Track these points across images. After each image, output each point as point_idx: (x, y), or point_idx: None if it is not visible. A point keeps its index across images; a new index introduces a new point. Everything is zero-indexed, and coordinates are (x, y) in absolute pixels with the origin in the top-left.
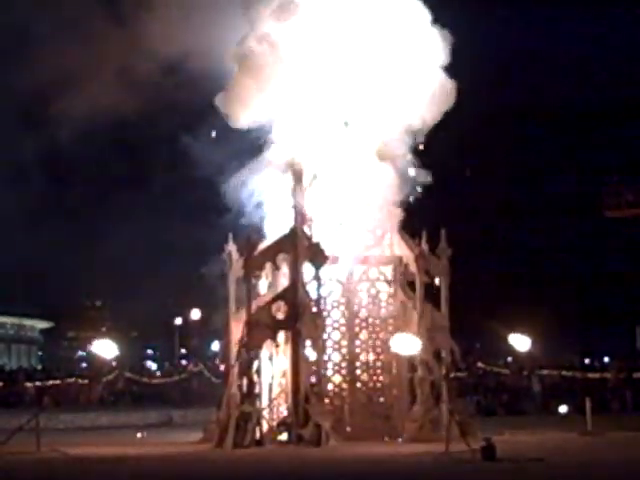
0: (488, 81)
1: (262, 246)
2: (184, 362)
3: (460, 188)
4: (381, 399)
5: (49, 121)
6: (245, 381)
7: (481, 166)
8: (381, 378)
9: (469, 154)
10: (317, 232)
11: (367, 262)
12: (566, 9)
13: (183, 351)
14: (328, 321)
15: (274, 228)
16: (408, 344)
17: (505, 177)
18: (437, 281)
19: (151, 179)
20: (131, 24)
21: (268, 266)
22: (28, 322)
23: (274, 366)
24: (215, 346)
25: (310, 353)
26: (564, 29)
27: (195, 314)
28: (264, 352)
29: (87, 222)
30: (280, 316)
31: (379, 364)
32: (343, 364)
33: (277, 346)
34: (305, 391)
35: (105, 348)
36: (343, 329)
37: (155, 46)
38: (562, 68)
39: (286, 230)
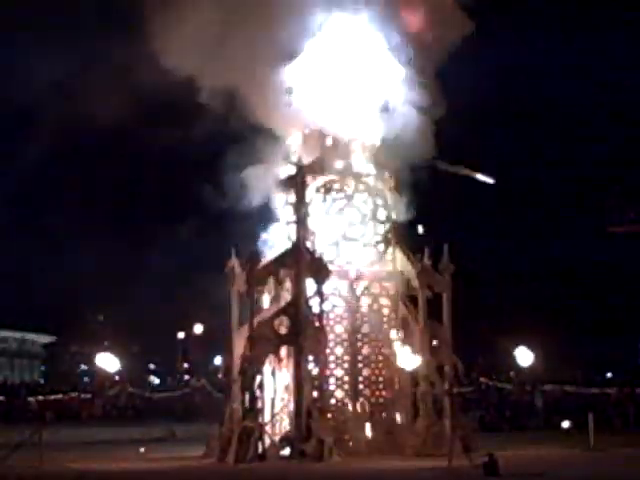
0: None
1: (265, 261)
2: (187, 377)
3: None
4: (384, 414)
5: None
6: (248, 396)
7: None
8: (384, 393)
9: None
10: (320, 247)
11: (369, 277)
12: None
13: (186, 366)
14: (331, 336)
15: (277, 243)
16: (410, 360)
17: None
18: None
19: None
20: None
21: (271, 281)
22: (31, 336)
23: (276, 381)
24: (218, 360)
25: (312, 368)
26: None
27: (198, 329)
28: (266, 367)
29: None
30: (283, 331)
31: (381, 379)
32: (345, 379)
33: (280, 361)
34: (308, 406)
35: (107, 362)
36: (345, 344)
37: None
38: (564, 75)
39: (289, 245)
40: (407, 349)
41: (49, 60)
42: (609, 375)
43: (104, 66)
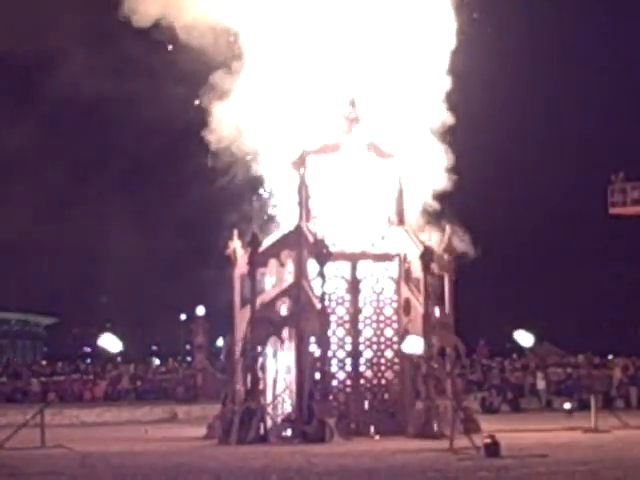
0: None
1: (266, 242)
2: (189, 358)
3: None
4: (385, 395)
5: None
6: (249, 377)
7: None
8: (386, 374)
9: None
10: (322, 228)
11: (372, 258)
12: None
13: (187, 347)
14: (332, 318)
15: (279, 224)
16: (413, 343)
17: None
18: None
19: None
20: None
21: (272, 262)
22: (33, 318)
23: (278, 362)
24: (220, 342)
25: (314, 349)
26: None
27: (200, 310)
28: (268, 348)
29: (89, 219)
30: (284, 312)
31: (383, 361)
32: (347, 361)
33: (282, 342)
34: (309, 388)
35: (110, 342)
36: (347, 326)
37: None
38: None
39: (291, 226)
40: (410, 335)
41: None
42: (610, 357)
43: None
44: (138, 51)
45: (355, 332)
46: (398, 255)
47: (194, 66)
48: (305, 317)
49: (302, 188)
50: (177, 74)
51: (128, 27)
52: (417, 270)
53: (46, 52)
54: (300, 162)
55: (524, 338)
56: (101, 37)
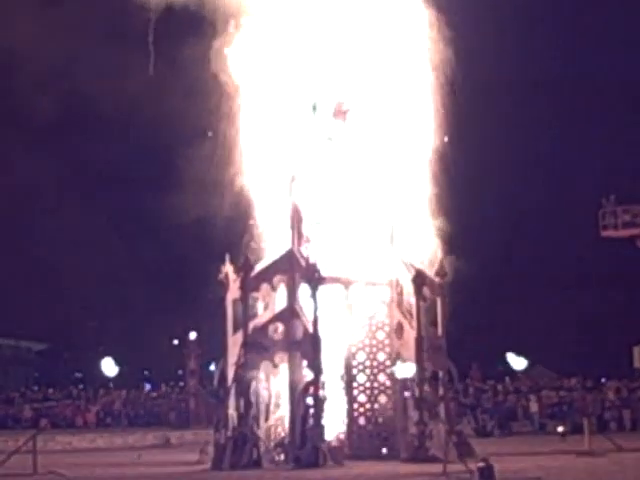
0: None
1: (259, 267)
2: (181, 383)
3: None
4: (379, 420)
5: None
6: (242, 402)
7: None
8: (379, 399)
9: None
10: (314, 253)
11: (364, 282)
12: None
13: (180, 372)
14: (325, 342)
15: (271, 249)
16: (405, 368)
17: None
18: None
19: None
20: None
21: (265, 287)
22: (25, 344)
23: (271, 387)
24: (212, 367)
25: (307, 374)
26: None
27: (192, 335)
28: (261, 373)
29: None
30: (277, 337)
31: (376, 385)
32: (341, 385)
33: (274, 367)
34: (302, 412)
35: (107, 366)
36: (341, 350)
37: None
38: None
39: (283, 251)
40: (402, 361)
41: None
42: (604, 380)
43: None
44: None
45: (348, 356)
46: (390, 279)
47: None
48: (298, 342)
49: (294, 212)
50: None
51: None
52: (409, 294)
53: None
54: (292, 183)
55: (516, 361)
56: None
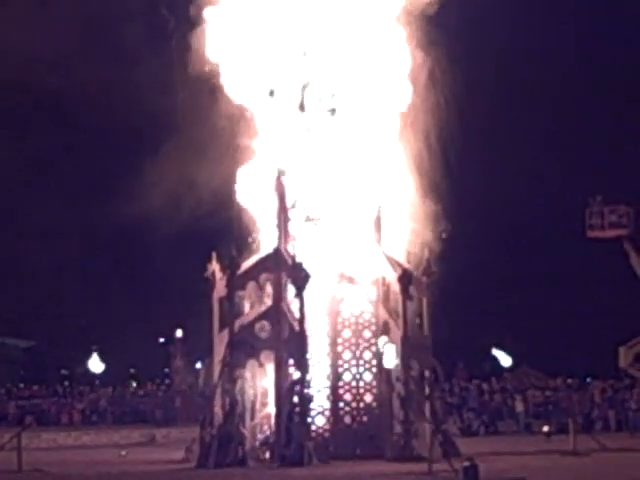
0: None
1: (245, 265)
2: (167, 381)
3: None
4: (364, 418)
5: None
6: (228, 400)
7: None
8: (364, 398)
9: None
10: (300, 251)
11: (350, 281)
12: None
13: (166, 370)
14: (311, 340)
15: (258, 247)
16: (391, 356)
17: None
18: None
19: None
20: None
21: (251, 285)
22: (10, 341)
23: (257, 385)
24: (198, 365)
25: (293, 372)
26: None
27: (178, 333)
28: (247, 371)
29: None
30: (263, 335)
31: (362, 384)
32: (326, 384)
33: (260, 365)
34: (288, 411)
35: (93, 363)
36: (327, 349)
37: None
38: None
39: (270, 249)
40: (389, 348)
41: None
42: (589, 380)
43: None
44: None
45: (334, 355)
46: (376, 278)
47: None
48: (284, 340)
49: (281, 211)
50: None
51: None
52: (395, 293)
53: None
54: (278, 183)
55: (503, 358)
56: None
